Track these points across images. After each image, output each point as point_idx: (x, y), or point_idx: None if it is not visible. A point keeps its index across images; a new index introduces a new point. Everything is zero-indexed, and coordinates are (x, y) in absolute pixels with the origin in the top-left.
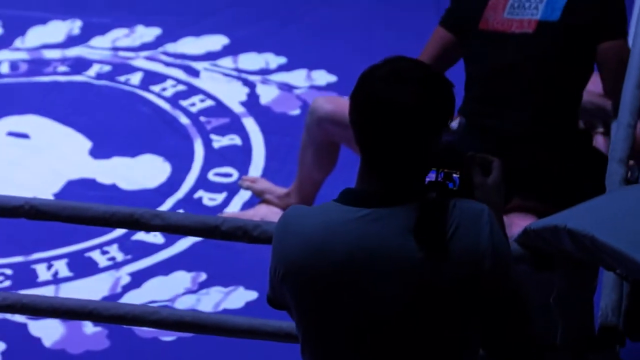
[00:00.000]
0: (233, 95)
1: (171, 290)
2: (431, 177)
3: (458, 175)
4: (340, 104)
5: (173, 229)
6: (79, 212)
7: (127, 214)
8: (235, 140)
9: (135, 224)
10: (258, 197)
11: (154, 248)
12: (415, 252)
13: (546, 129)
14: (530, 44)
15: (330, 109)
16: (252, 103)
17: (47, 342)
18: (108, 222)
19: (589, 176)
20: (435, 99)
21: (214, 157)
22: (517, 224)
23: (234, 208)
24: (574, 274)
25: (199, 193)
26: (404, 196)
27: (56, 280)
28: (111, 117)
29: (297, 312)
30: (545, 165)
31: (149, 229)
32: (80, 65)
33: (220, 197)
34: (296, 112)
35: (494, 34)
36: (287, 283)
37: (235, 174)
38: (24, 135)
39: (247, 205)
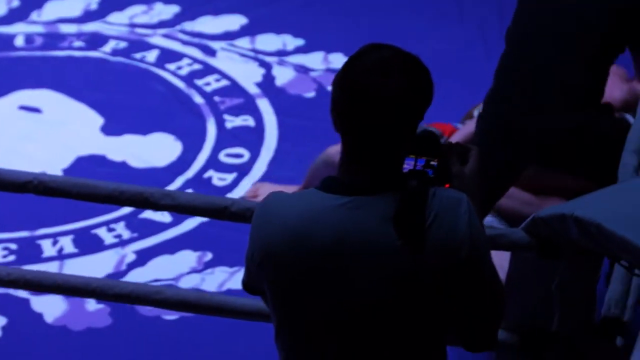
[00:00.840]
0: (249, 76)
1: (176, 269)
2: (409, 164)
3: (436, 163)
4: None
5: (182, 209)
6: (88, 190)
7: (137, 192)
8: (249, 121)
9: (144, 202)
10: None
11: (161, 227)
12: (394, 241)
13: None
14: None
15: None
16: (267, 84)
17: (49, 318)
18: (117, 200)
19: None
20: (417, 88)
21: (226, 137)
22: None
23: (243, 189)
24: (578, 262)
25: (209, 173)
26: (385, 184)
27: (61, 256)
28: (125, 94)
29: (274, 297)
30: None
31: (158, 208)
32: (96, 40)
33: (230, 178)
34: (311, 94)
35: None
36: (265, 269)
37: (247, 155)
38: (36, 110)
39: None
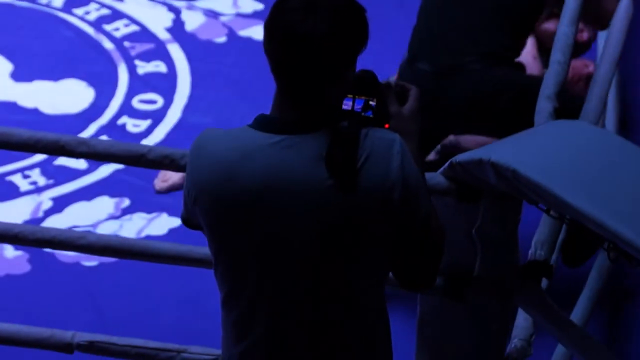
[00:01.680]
0: (158, 21)
1: (94, 215)
2: (347, 104)
3: (374, 103)
4: None
5: (99, 157)
6: (3, 138)
7: (53, 140)
8: (160, 66)
9: (60, 150)
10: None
11: (77, 173)
12: (326, 181)
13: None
14: None
15: None
16: (177, 29)
17: None
18: (33, 148)
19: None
20: (348, 27)
21: (138, 84)
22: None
23: (158, 135)
24: (497, 206)
25: (123, 119)
26: (317, 124)
27: None
28: (33, 39)
29: (209, 233)
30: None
31: (74, 155)
32: None
33: (144, 124)
34: (222, 39)
35: None
36: (200, 205)
37: (161, 101)
38: None
39: (172, 133)
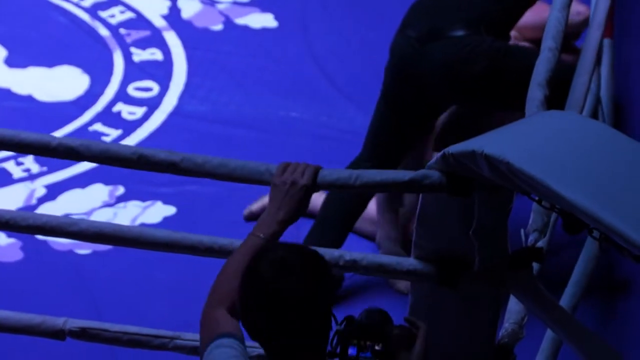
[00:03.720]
0: (154, 8)
1: (88, 203)
2: (352, 351)
3: (380, 348)
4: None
5: (92, 160)
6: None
7: (44, 142)
8: (156, 54)
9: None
10: None
11: (71, 161)
12: None
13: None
14: None
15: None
16: (173, 17)
17: None
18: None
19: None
20: (319, 288)
21: (134, 71)
22: None
23: (154, 123)
24: (491, 197)
25: (118, 106)
26: None
27: None
28: (27, 25)
29: None
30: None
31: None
32: None
33: (140, 111)
34: (218, 27)
35: None
36: None
37: (157, 88)
38: None
39: (167, 121)
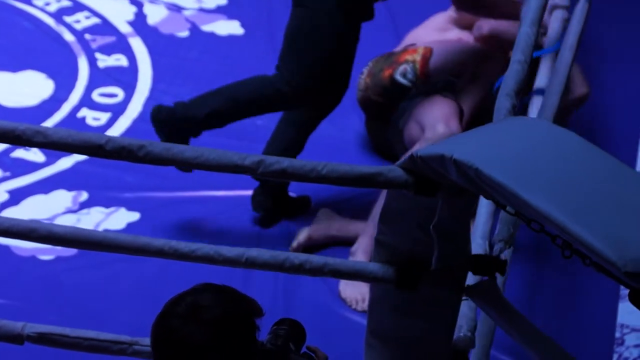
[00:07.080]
0: (120, 14)
1: (51, 209)
2: None
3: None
4: None
5: (56, 146)
6: None
7: (9, 129)
8: (122, 60)
9: (16, 139)
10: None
11: (34, 166)
12: None
13: None
14: None
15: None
16: (139, 23)
17: None
18: None
19: None
20: (228, 339)
21: (99, 77)
22: None
23: (119, 129)
24: (454, 200)
25: (83, 112)
26: None
27: None
28: None
29: None
30: None
31: (30, 145)
32: None
33: (104, 117)
34: (184, 33)
35: None
36: None
37: (122, 94)
38: None
39: (132, 127)
